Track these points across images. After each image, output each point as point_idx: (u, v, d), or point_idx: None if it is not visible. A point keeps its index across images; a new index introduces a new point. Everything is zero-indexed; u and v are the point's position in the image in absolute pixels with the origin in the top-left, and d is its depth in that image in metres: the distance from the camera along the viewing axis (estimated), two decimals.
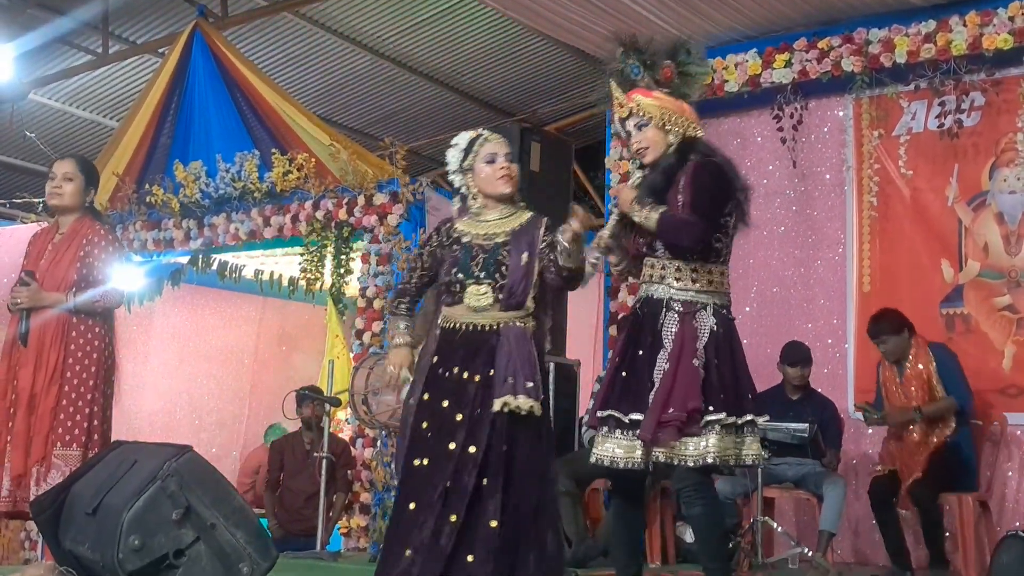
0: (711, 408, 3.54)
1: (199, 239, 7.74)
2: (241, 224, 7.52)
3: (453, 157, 3.82)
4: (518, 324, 3.63)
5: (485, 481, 3.49)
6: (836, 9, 6.47)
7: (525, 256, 3.64)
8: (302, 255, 7.21)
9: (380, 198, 6.91)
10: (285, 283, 7.67)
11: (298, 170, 7.23)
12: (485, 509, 3.47)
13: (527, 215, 3.76)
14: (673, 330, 3.60)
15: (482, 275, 3.66)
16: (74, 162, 4.77)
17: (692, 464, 3.54)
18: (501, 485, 3.49)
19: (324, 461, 5.83)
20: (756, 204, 6.85)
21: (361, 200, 6.98)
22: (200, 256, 7.76)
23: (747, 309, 6.83)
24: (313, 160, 7.29)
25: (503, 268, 3.64)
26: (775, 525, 5.57)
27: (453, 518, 3.45)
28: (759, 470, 5.34)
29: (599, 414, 3.67)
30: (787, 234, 6.82)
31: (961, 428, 5.55)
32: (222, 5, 7.99)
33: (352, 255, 7.12)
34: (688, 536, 5.98)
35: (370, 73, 9.13)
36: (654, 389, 3.56)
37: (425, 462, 3.57)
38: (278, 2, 7.99)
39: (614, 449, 3.60)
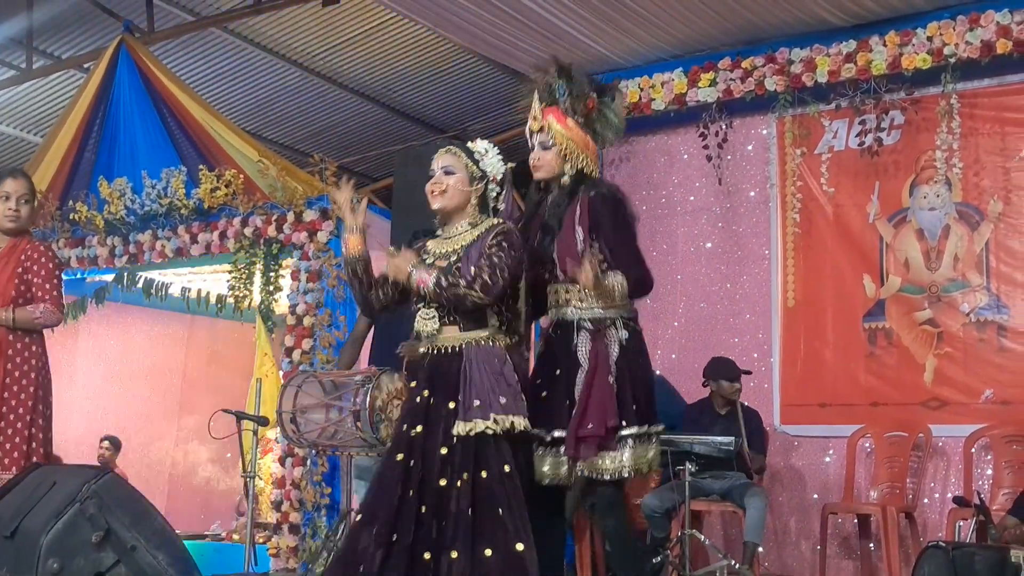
0: (624, 423, 3.65)
1: (124, 256, 7.63)
2: (168, 241, 7.43)
3: None
4: (482, 344, 3.54)
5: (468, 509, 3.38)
6: (759, 29, 6.59)
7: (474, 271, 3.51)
8: (230, 272, 7.13)
9: (310, 215, 6.87)
10: (213, 301, 7.58)
11: (226, 186, 7.17)
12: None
13: (485, 225, 3.64)
14: (587, 348, 3.71)
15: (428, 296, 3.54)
16: (27, 182, 4.69)
17: (609, 478, 3.64)
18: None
19: (248, 482, 5.74)
20: (683, 221, 7.05)
21: (290, 217, 6.94)
22: (125, 274, 7.65)
23: (675, 324, 6.92)
24: (241, 176, 7.22)
25: None
26: (703, 538, 5.63)
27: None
28: (686, 484, 5.39)
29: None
30: (714, 250, 6.92)
31: None
32: (148, 20, 7.88)
33: (281, 272, 7.07)
34: None
35: (300, 89, 9.07)
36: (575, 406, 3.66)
37: (399, 492, 3.46)
38: (205, 17, 7.90)
39: (540, 467, 3.68)
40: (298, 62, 8.64)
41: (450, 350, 3.56)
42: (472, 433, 3.42)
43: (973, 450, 5.92)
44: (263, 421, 5.65)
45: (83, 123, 7.98)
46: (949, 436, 6.05)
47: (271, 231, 6.97)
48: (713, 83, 6.78)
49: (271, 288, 7.03)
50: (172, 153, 7.58)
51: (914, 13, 6.24)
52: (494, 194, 3.71)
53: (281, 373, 6.73)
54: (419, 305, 3.59)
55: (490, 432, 3.41)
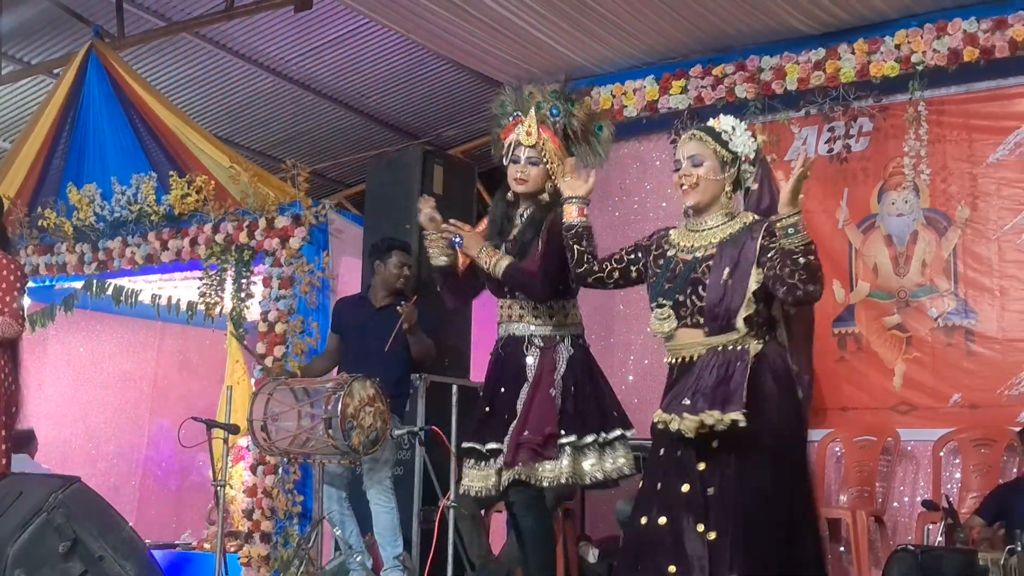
0: (563, 432, 3.71)
1: (94, 263, 7.58)
2: (138, 248, 7.38)
3: None
4: (729, 348, 3.15)
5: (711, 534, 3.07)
6: (730, 37, 6.64)
7: (727, 272, 3.16)
8: (201, 279, 7.09)
9: (282, 221, 6.84)
10: (184, 308, 7.53)
11: (197, 192, 7.13)
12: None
13: (744, 220, 3.26)
14: (535, 362, 3.78)
15: (668, 295, 3.23)
16: None
17: (547, 484, 3.72)
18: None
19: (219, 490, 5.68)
20: (656, 227, 7.00)
21: (262, 223, 6.90)
22: (94, 281, 7.59)
23: (648, 329, 6.91)
24: (212, 182, 7.19)
25: (699, 287, 3.19)
26: None
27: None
28: None
29: (464, 445, 3.88)
30: None
31: None
32: (118, 25, 7.83)
33: (253, 279, 7.03)
34: (591, 556, 6.02)
35: (273, 94, 9.04)
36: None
37: (662, 521, 3.09)
38: (176, 23, 7.86)
39: (468, 480, 3.84)
40: (271, 67, 8.62)
41: (689, 360, 3.21)
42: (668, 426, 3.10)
43: (942, 454, 5.97)
44: (234, 429, 5.60)
45: (52, 129, 7.93)
46: (918, 440, 6.10)
47: (243, 237, 6.94)
48: (684, 90, 6.83)
49: (243, 295, 7.00)
50: (142, 159, 7.54)
51: (882, 21, 6.30)
52: (748, 175, 3.33)
53: (252, 380, 6.70)
54: (653, 304, 3.28)
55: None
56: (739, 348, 3.13)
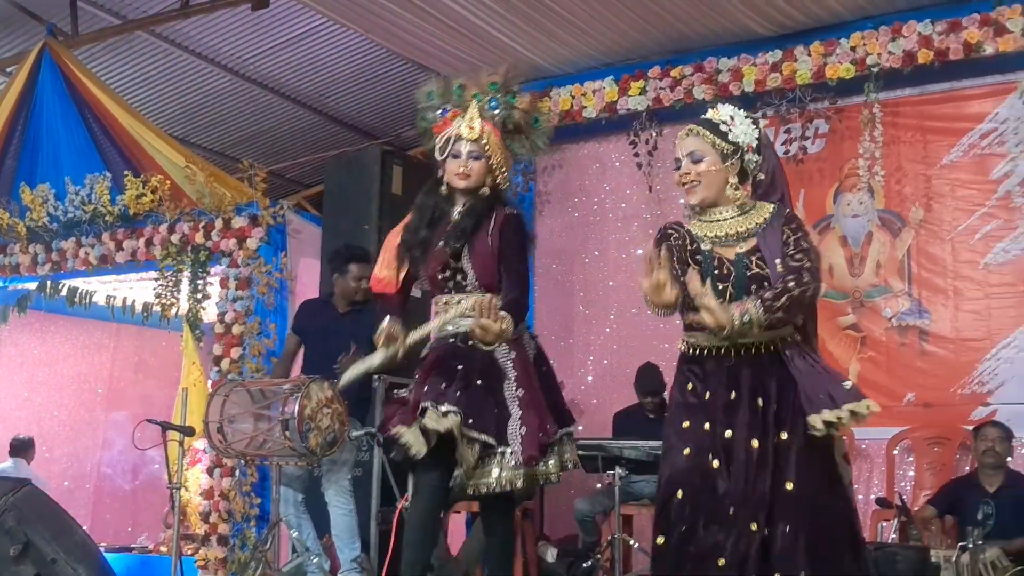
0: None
1: (47, 264, 7.49)
2: (92, 248, 7.31)
3: None
4: (793, 338, 3.12)
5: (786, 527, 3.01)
6: (688, 39, 6.67)
7: (779, 264, 3.08)
8: (157, 280, 7.03)
9: (239, 221, 6.79)
10: (139, 309, 7.46)
11: (152, 192, 7.07)
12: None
13: (768, 211, 3.18)
14: (510, 358, 3.66)
15: (734, 297, 3.06)
16: None
17: (543, 482, 3.68)
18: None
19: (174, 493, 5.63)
20: (615, 228, 7.10)
21: (219, 223, 6.85)
22: (48, 282, 7.50)
23: (607, 330, 6.97)
24: (168, 182, 7.13)
25: (764, 282, 3.06)
26: (632, 542, 5.66)
27: None
28: (616, 488, 5.42)
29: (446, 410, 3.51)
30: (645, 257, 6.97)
31: None
32: (72, 23, 7.73)
33: (210, 279, 6.97)
34: (549, 556, 6.03)
35: (230, 94, 8.97)
36: (515, 416, 3.59)
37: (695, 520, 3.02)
38: (132, 21, 7.77)
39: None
40: (228, 66, 8.55)
41: (763, 349, 3.09)
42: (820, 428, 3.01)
43: (895, 452, 6.04)
44: (189, 431, 5.56)
45: (5, 128, 7.83)
46: (872, 438, 6.16)
47: (199, 238, 6.88)
48: (643, 91, 6.85)
49: (199, 296, 6.94)
50: (96, 159, 7.46)
51: (838, 23, 6.35)
52: (752, 164, 3.23)
53: (209, 383, 6.64)
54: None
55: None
56: (797, 338, 3.12)
